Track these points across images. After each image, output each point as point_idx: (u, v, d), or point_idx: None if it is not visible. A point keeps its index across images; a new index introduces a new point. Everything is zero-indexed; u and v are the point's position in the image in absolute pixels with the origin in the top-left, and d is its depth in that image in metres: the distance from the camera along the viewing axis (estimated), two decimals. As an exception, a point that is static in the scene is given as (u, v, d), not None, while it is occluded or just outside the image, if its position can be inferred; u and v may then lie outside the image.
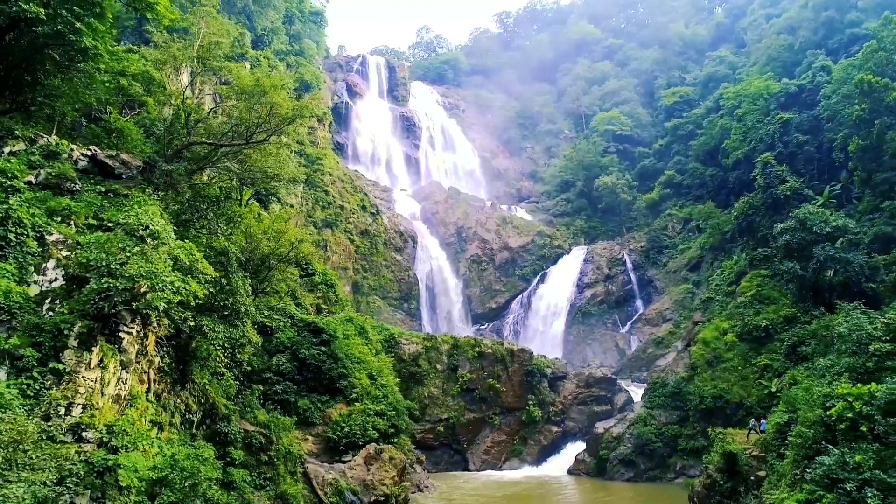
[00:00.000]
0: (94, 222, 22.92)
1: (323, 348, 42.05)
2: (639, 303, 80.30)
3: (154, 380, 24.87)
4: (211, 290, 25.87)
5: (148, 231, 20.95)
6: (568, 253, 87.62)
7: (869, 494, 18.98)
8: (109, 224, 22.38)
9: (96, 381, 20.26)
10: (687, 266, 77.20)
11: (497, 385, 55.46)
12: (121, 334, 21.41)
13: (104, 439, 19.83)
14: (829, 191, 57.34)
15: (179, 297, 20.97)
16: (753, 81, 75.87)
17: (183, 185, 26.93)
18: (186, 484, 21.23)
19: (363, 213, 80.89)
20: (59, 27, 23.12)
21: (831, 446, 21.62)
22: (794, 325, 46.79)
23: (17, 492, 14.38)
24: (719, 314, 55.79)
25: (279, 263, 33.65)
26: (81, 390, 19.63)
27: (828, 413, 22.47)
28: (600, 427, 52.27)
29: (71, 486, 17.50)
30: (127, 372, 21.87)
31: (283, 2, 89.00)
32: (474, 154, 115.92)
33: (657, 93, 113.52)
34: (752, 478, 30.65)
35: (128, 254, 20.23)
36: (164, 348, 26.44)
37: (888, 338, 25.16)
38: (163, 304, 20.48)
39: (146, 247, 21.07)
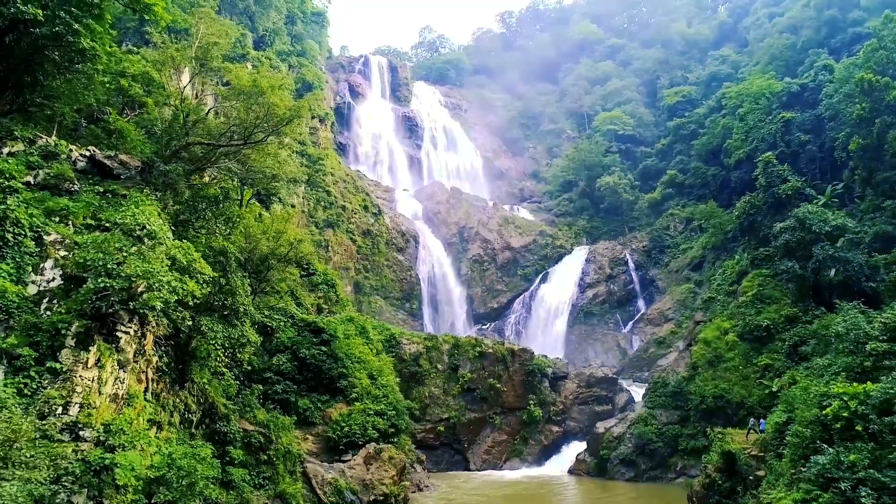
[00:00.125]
0: (93, 222, 23.04)
1: (323, 348, 42.15)
2: (641, 302, 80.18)
3: (152, 379, 25.00)
4: (209, 289, 26.00)
5: (145, 231, 21.06)
6: (570, 253, 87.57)
7: (863, 493, 18.96)
8: (107, 224, 22.50)
9: (93, 380, 20.37)
10: (689, 266, 77.08)
11: (498, 385, 55.47)
12: (118, 334, 21.52)
13: (101, 438, 19.94)
14: (830, 190, 57.24)
15: (176, 297, 21.07)
16: (755, 81, 75.76)
17: (181, 186, 27.04)
18: (183, 483, 21.35)
19: (365, 214, 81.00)
20: (57, 28, 23.27)
21: (826, 445, 21.61)
22: (796, 325, 46.63)
23: (11, 490, 14.46)
24: (721, 314, 55.67)
25: (278, 263, 33.75)
26: (79, 389, 19.75)
27: (824, 412, 22.47)
28: (601, 427, 52.23)
29: (67, 484, 17.59)
30: (124, 371, 21.98)
31: (285, 2, 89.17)
32: (476, 154, 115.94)
33: (660, 92, 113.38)
34: (750, 477, 30.59)
35: (124, 254, 20.34)
36: (163, 348, 26.57)
37: (885, 337, 25.15)
38: (159, 303, 20.59)
39: (143, 247, 21.19)
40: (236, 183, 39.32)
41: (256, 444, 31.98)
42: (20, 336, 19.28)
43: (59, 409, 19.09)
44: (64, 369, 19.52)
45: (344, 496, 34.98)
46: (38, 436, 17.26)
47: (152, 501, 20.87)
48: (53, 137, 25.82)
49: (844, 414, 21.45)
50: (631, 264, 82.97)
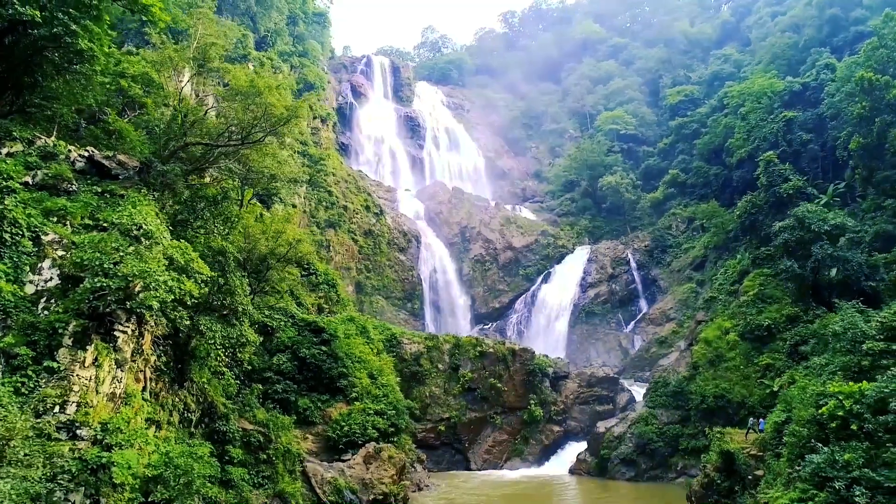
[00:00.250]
0: (91, 222, 23.16)
1: (323, 347, 42.23)
2: (642, 302, 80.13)
3: (150, 378, 25.09)
4: (208, 289, 26.11)
5: (141, 231, 21.14)
6: (572, 252, 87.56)
7: (857, 493, 18.95)
8: (105, 224, 22.61)
9: (91, 379, 20.46)
10: (691, 265, 76.99)
11: (499, 384, 55.48)
12: (116, 333, 21.60)
13: (98, 437, 20.01)
14: (832, 189, 57.14)
15: (173, 297, 21.15)
16: (757, 80, 75.65)
17: (179, 186, 27.15)
18: (181, 481, 21.44)
19: (367, 214, 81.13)
20: (55, 30, 23.40)
21: (822, 445, 21.60)
22: (797, 325, 46.52)
23: (5, 488, 14.57)
24: (722, 313, 55.57)
25: (278, 263, 33.84)
26: (76, 388, 19.83)
27: (820, 412, 22.46)
28: (602, 426, 52.19)
29: (63, 482, 17.68)
30: (122, 370, 22.06)
31: (287, 3, 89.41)
32: (479, 154, 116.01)
33: (662, 92, 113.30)
34: (749, 477, 30.56)
35: (121, 253, 20.43)
36: (161, 347, 26.66)
37: (882, 336, 25.11)
38: (156, 303, 20.68)
39: (140, 247, 21.28)
40: (237, 183, 39.44)
41: (256, 443, 32.02)
42: (17, 335, 19.39)
43: (57, 408, 19.17)
44: (61, 368, 19.60)
45: (343, 495, 35.02)
46: (34, 434, 17.39)
47: (149, 500, 20.96)
48: (52, 138, 25.96)
49: (840, 413, 21.44)
50: (633, 264, 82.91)
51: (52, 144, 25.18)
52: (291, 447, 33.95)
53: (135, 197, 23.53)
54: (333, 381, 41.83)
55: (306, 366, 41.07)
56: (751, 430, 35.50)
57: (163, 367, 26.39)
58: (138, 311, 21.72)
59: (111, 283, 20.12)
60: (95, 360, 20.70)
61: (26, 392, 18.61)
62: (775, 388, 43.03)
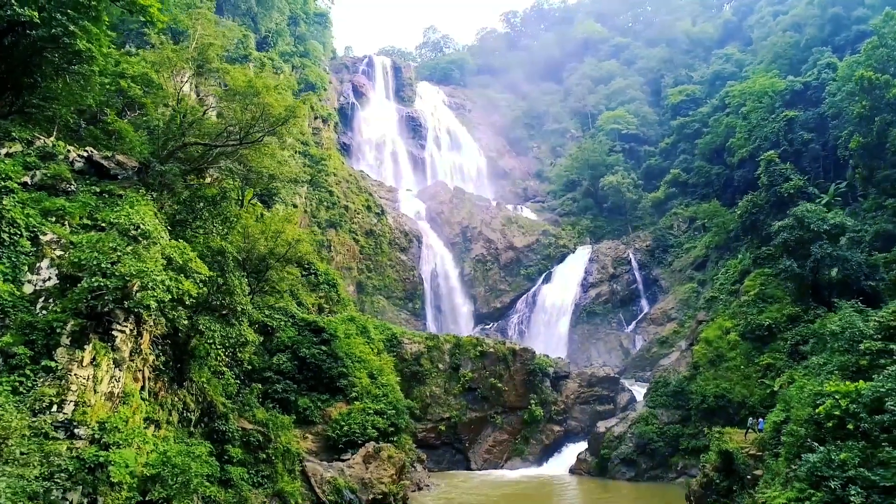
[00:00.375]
0: (89, 222, 23.24)
1: (323, 347, 42.26)
2: (644, 302, 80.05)
3: (149, 378, 25.16)
4: (207, 289, 26.19)
5: (139, 231, 21.21)
6: (573, 252, 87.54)
7: (853, 492, 18.93)
8: (103, 224, 22.69)
9: (89, 378, 20.52)
10: (692, 265, 76.91)
11: (499, 384, 55.50)
12: (114, 333, 21.66)
13: (96, 436, 20.09)
14: (834, 189, 57.09)
15: (170, 296, 21.22)
16: (758, 79, 75.55)
17: (178, 186, 27.22)
18: (178, 480, 21.50)
19: (368, 214, 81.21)
20: (53, 31, 23.48)
21: (818, 444, 21.59)
22: (798, 324, 46.49)
23: (0, 486, 14.63)
24: (723, 313, 55.52)
25: (277, 263, 33.89)
26: (74, 388, 19.90)
27: (817, 411, 22.45)
28: (602, 426, 52.18)
29: (60, 481, 17.74)
30: (120, 370, 22.13)
31: (288, 3, 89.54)
32: (480, 154, 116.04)
33: (664, 91, 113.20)
34: (748, 476, 30.54)
35: (119, 253, 20.50)
36: (160, 347, 26.73)
37: (879, 336, 25.08)
38: (154, 302, 20.74)
39: (138, 246, 21.35)
40: (237, 183, 39.52)
41: (255, 442, 32.07)
42: (15, 335, 19.46)
43: (54, 407, 19.25)
44: (59, 368, 19.66)
45: (343, 495, 35.06)
46: (31, 433, 17.46)
47: (147, 499, 21.03)
48: (52, 139, 26.06)
49: (836, 413, 21.43)
50: (634, 264, 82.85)
51: (51, 145, 25.28)
52: (291, 447, 34.01)
53: (133, 197, 23.61)
54: (333, 381, 41.84)
55: (306, 365, 41.10)
56: (750, 430, 35.49)
57: (162, 366, 26.46)
58: (136, 310, 21.80)
59: (109, 283, 20.19)
60: (93, 359, 20.77)
61: (24, 391, 18.68)
62: (776, 388, 42.96)
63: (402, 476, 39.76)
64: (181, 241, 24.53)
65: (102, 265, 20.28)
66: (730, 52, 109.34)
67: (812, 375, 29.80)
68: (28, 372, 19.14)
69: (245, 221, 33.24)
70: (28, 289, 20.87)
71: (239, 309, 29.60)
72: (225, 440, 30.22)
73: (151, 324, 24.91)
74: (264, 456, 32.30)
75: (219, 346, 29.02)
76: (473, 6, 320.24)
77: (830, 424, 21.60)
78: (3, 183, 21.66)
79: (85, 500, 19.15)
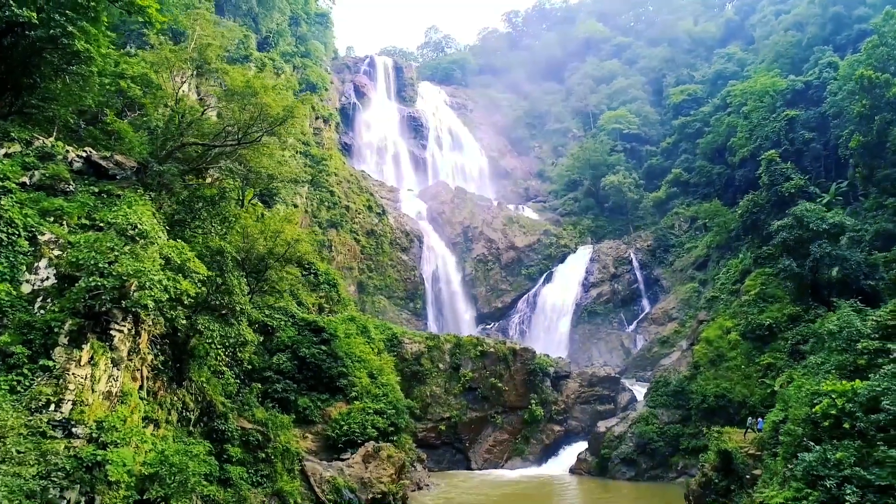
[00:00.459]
0: (87, 222, 23.32)
1: (323, 347, 42.29)
2: (645, 302, 80.00)
3: (148, 377, 25.23)
4: (205, 288, 26.25)
5: (137, 231, 21.28)
6: (574, 252, 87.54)
7: (848, 491, 18.92)
8: (101, 224, 22.76)
9: (86, 377, 20.59)
10: (693, 265, 76.83)
11: (499, 384, 55.51)
12: (112, 332, 21.73)
13: (94, 435, 20.15)
14: (835, 188, 56.98)
15: (167, 296, 21.28)
16: (760, 78, 75.44)
17: (177, 186, 27.30)
18: (176, 479, 21.56)
19: (369, 214, 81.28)
20: (52, 31, 23.58)
21: (814, 444, 21.57)
22: (798, 324, 46.45)
23: (-4, 484, 14.71)
24: (723, 313, 55.51)
25: (276, 263, 33.96)
26: (71, 387, 19.97)
27: (813, 410, 22.43)
28: (602, 426, 52.17)
29: (57, 480, 17.81)
30: (118, 369, 22.20)
31: (289, 4, 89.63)
32: (482, 154, 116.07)
33: (665, 91, 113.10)
34: (747, 476, 30.52)
35: (116, 253, 20.57)
36: (159, 346, 26.81)
37: (877, 335, 25.05)
38: (151, 302, 20.80)
39: (136, 246, 21.42)
40: (238, 183, 39.60)
41: (254, 442, 32.08)
42: (14, 334, 19.54)
43: (52, 406, 19.32)
44: (57, 367, 19.73)
45: (342, 494, 35.09)
46: (28, 432, 17.54)
47: (145, 498, 21.09)
48: (51, 139, 26.15)
49: (832, 412, 21.42)
50: (635, 263, 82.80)
51: (49, 145, 25.37)
52: (290, 446, 34.03)
53: (131, 197, 23.68)
54: (333, 381, 41.87)
55: (306, 365, 41.13)
56: (749, 430, 35.45)
57: (160, 365, 26.52)
58: (134, 310, 21.86)
59: (106, 283, 20.26)
60: (91, 358, 20.84)
61: (22, 390, 18.77)
62: (776, 388, 42.94)
63: (402, 475, 39.78)
64: (179, 240, 24.60)
65: (100, 265, 20.35)
66: (732, 51, 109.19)
67: (810, 375, 29.79)
68: (26, 371, 19.22)
69: (244, 221, 33.31)
70: (26, 288, 20.95)
71: (238, 308, 29.67)
72: (224, 439, 30.24)
73: (150, 323, 24.97)
74: (263, 455, 32.32)
75: (218, 346, 29.09)
76: (475, 6, 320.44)
77: (827, 424, 21.60)
78: (1, 183, 21.75)
79: (83, 499, 19.22)
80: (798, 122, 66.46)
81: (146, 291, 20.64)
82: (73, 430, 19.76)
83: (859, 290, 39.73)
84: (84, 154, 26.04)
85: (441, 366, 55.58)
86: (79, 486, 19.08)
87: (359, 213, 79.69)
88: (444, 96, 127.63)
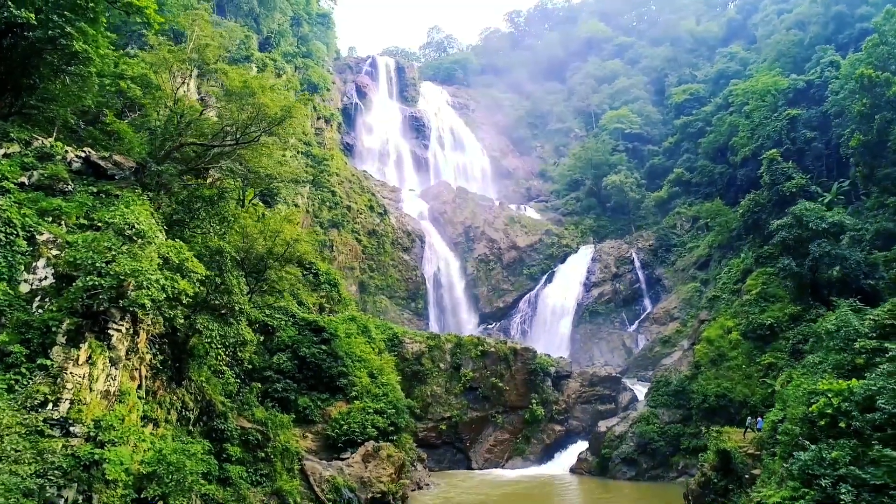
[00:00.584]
0: (85, 222, 23.41)
1: (323, 347, 42.37)
2: (647, 301, 79.89)
3: (146, 376, 25.31)
4: (204, 288, 26.32)
5: (134, 230, 21.35)
6: (576, 252, 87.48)
7: (843, 490, 18.89)
8: (99, 224, 22.84)
9: (84, 377, 20.68)
10: (695, 264, 76.71)
11: (500, 384, 55.54)
12: (110, 331, 21.80)
13: (91, 434, 20.24)
14: (837, 187, 56.78)
15: (164, 295, 21.35)
16: (761, 78, 75.31)
17: (175, 186, 27.39)
18: (173, 478, 21.63)
19: (370, 214, 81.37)
20: (50, 32, 23.69)
21: (809, 443, 21.53)
22: (800, 324, 46.31)
23: (-9, 482, 14.78)
24: (725, 312, 55.45)
25: (275, 262, 34.02)
26: (69, 386, 20.05)
27: (810, 409, 22.40)
28: (603, 426, 52.14)
29: (53, 478, 17.88)
30: (116, 368, 22.28)
31: (290, 4, 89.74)
32: (484, 154, 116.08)
33: (667, 90, 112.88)
34: (746, 476, 30.47)
35: (114, 252, 20.65)
36: (158, 346, 26.90)
37: (875, 334, 24.99)
38: (148, 301, 20.87)
39: (133, 246, 21.50)
40: (238, 183, 39.70)
41: (254, 441, 32.15)
42: (11, 333, 19.63)
43: (50, 405, 19.40)
44: (54, 366, 19.81)
45: (341, 493, 35.14)
46: (26, 431, 17.62)
47: (142, 496, 21.17)
48: (49, 139, 26.26)
49: (829, 411, 21.39)
50: (637, 263, 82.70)
51: (49, 145, 25.48)
52: (290, 445, 34.09)
53: (129, 197, 23.77)
54: (333, 380, 41.93)
55: (306, 365, 41.21)
56: (749, 429, 35.39)
57: (160, 365, 26.60)
58: (132, 309, 21.94)
59: (104, 282, 20.34)
60: (89, 357, 20.93)
61: (20, 389, 18.86)
62: (777, 388, 42.85)
63: (402, 475, 39.82)
64: (178, 240, 24.68)
65: (97, 264, 20.44)
66: (734, 50, 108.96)
67: (809, 374, 29.73)
68: (23, 370, 19.30)
69: (243, 221, 33.37)
70: (24, 288, 21.05)
71: (237, 308, 29.72)
72: (224, 439, 30.32)
73: (149, 323, 25.06)
74: (263, 454, 32.39)
75: (218, 346, 29.16)
76: (477, 6, 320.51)
77: (823, 423, 21.57)
78: (-1, 183, 21.87)
79: (80, 498, 19.30)
80: (800, 121, 66.32)
81: (143, 291, 20.72)
82: (71, 428, 19.84)
83: (859, 289, 39.61)
84: (83, 154, 26.14)
85: (442, 365, 55.63)
86: (76, 484, 19.17)
87: (360, 213, 79.78)
88: (446, 96, 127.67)
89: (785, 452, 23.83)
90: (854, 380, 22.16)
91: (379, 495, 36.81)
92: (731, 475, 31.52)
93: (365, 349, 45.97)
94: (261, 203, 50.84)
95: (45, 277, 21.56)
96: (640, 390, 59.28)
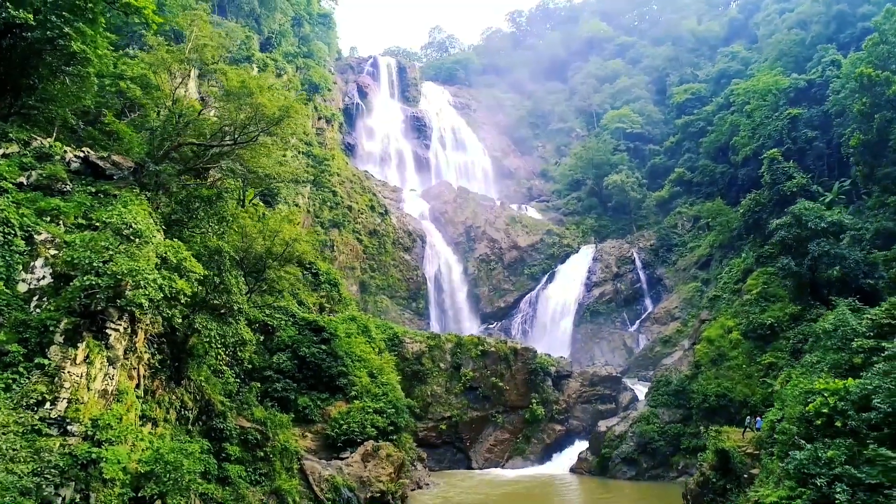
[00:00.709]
0: (84, 222, 23.46)
1: (323, 346, 42.45)
2: (648, 301, 79.87)
3: (144, 376, 25.37)
4: (205, 288, 26.39)
5: (131, 230, 21.41)
6: (577, 252, 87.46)
7: (838, 490, 18.86)
8: (97, 224, 22.90)
9: (82, 376, 20.72)
10: (696, 264, 76.67)
11: (500, 383, 55.57)
12: (108, 331, 21.84)
13: (89, 433, 20.28)
14: (838, 187, 56.69)
15: (161, 294, 21.41)
16: (762, 77, 75.22)
17: (173, 186, 27.46)
18: (171, 477, 21.69)
19: (371, 214, 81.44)
20: (49, 33, 23.77)
21: (805, 442, 21.50)
22: (800, 323, 46.20)
23: (-13, 480, 14.84)
24: (725, 312, 55.40)
25: (274, 262, 34.09)
26: (67, 385, 20.10)
27: (806, 409, 22.37)
28: (603, 426, 52.13)
29: (49, 477, 17.94)
30: (114, 368, 22.32)
31: (291, 5, 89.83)
32: (485, 154, 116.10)
33: (669, 90, 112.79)
34: (745, 476, 30.43)
35: (111, 252, 20.71)
36: (157, 345, 26.97)
37: (872, 333, 24.94)
38: (145, 300, 20.93)
39: (131, 245, 21.56)
40: (238, 183, 39.77)
41: (253, 440, 32.20)
42: (9, 333, 19.68)
43: (47, 404, 19.45)
44: (52, 365, 19.86)
45: (341, 493, 35.19)
46: (23, 430, 17.68)
47: (139, 495, 21.23)
48: (49, 139, 26.34)
49: (825, 410, 21.37)
50: (638, 263, 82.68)
51: (47, 145, 25.56)
52: (289, 445, 34.14)
53: (127, 196, 23.84)
54: (333, 380, 42.01)
55: (306, 364, 41.28)
56: (748, 429, 35.34)
57: (158, 364, 26.66)
58: (129, 309, 21.99)
59: (101, 282, 20.39)
60: (87, 357, 20.97)
61: (17, 388, 18.91)
62: (777, 387, 42.78)
63: (401, 475, 39.88)
64: (176, 240, 24.74)
65: (94, 264, 20.49)
66: (736, 50, 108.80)
67: (807, 374, 29.70)
68: (21, 369, 19.34)
69: (242, 221, 33.44)
70: (22, 287, 21.11)
71: (236, 308, 29.79)
72: (223, 438, 30.37)
73: (147, 322, 25.12)
74: (262, 454, 32.43)
75: (218, 345, 29.22)
76: (479, 6, 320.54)
77: (819, 422, 21.54)
78: (-2, 183, 21.94)
79: (77, 497, 19.35)
80: (801, 120, 66.23)
81: (140, 290, 20.77)
82: (69, 427, 19.89)
83: (859, 288, 39.54)
84: (82, 154, 26.22)
85: (442, 365, 55.67)
86: (73, 483, 19.21)
87: (361, 213, 79.86)
88: (447, 96, 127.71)
89: (782, 452, 23.80)
90: (850, 379, 22.13)
91: (378, 495, 36.86)
92: (729, 475, 31.48)
93: (365, 349, 46.04)
94: (261, 203, 50.97)
95: (43, 277, 21.63)
96: (641, 390, 59.26)
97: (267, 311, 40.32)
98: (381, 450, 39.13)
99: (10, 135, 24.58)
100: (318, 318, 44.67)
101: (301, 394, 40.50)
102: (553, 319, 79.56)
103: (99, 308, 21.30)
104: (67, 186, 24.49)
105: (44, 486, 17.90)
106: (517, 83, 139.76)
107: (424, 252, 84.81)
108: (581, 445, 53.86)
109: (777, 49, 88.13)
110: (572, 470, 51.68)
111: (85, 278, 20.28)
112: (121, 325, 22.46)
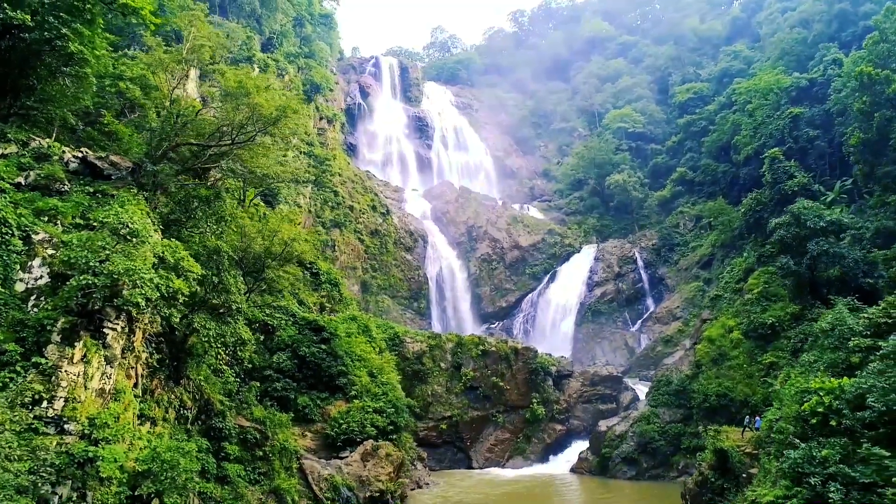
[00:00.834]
0: (81, 222, 23.60)
1: (323, 346, 42.52)
2: (649, 301, 79.77)
3: (143, 375, 25.47)
4: (201, 287, 26.46)
5: (128, 230, 21.51)
6: (578, 251, 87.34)
7: (832, 489, 18.84)
8: (95, 224, 23.02)
9: (79, 375, 20.82)
10: (698, 264, 76.56)
11: (501, 383, 55.57)
12: (105, 330, 21.95)
13: (86, 432, 20.37)
14: (839, 186, 56.54)
15: (158, 294, 21.50)
16: (764, 76, 75.05)
17: (171, 186, 27.57)
18: (168, 476, 21.78)
19: (373, 213, 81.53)
20: (46, 34, 23.89)
21: (800, 441, 21.48)
22: (801, 323, 46.05)
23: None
24: (726, 311, 55.32)
25: (273, 262, 34.17)
26: (63, 384, 20.20)
27: (802, 408, 22.35)
28: (603, 425, 52.08)
29: (46, 475, 18.03)
30: (112, 367, 22.42)
31: (292, 5, 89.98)
32: (487, 153, 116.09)
33: (671, 89, 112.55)
34: (743, 475, 30.42)
35: (108, 252, 20.81)
36: (155, 344, 27.05)
37: (869, 333, 24.89)
38: (142, 300, 21.03)
39: (128, 245, 21.66)
40: (238, 183, 39.88)
41: (253, 440, 32.28)
42: (6, 332, 19.80)
43: (44, 403, 19.55)
44: (49, 364, 19.97)
45: (340, 492, 35.25)
46: (20, 428, 17.78)
47: (136, 494, 21.32)
48: (47, 140, 26.47)
49: (820, 409, 21.34)
50: (640, 262, 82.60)
51: (46, 146, 25.68)
52: (288, 444, 34.22)
53: (124, 196, 23.96)
54: (333, 380, 42.08)
55: (306, 364, 41.35)
56: (747, 428, 35.30)
57: (157, 364, 26.75)
58: (127, 308, 22.08)
59: (98, 281, 20.50)
60: (84, 356, 21.06)
61: (14, 387, 19.02)
62: (777, 387, 42.69)
63: (401, 474, 39.93)
64: (174, 240, 24.85)
65: (91, 263, 20.60)
66: (738, 49, 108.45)
67: (805, 373, 29.65)
68: (18, 368, 19.45)
69: (241, 221, 33.53)
70: (20, 287, 21.24)
71: (234, 307, 29.87)
72: (222, 437, 30.46)
73: (146, 322, 25.21)
74: (261, 453, 32.50)
75: (217, 345, 29.31)
76: (481, 6, 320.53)
77: (815, 421, 21.52)
78: (-4, 183, 22.06)
79: (74, 495, 19.45)
80: (802, 119, 66.08)
81: (138, 290, 20.87)
82: (66, 426, 19.98)
83: (858, 287, 39.42)
84: (80, 154, 26.35)
85: (443, 365, 55.72)
86: (70, 481, 19.31)
87: (363, 213, 79.96)
88: (449, 96, 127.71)
89: (778, 451, 23.79)
90: (845, 378, 22.10)
91: (377, 494, 36.92)
92: (728, 474, 31.47)
93: (365, 348, 46.10)
94: (262, 203, 51.09)
95: (41, 276, 21.75)
96: (642, 390, 59.18)
97: (267, 311, 40.43)
98: (380, 449, 39.18)
99: (9, 135, 24.73)
100: (319, 318, 44.74)
101: (301, 393, 40.58)
102: (554, 319, 79.51)
103: (96, 307, 21.41)
104: (65, 186, 24.62)
105: (40, 485, 18.01)
106: (519, 83, 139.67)
107: (426, 252, 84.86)
108: (581, 445, 53.82)
109: (779, 48, 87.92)
110: (572, 470, 51.64)
111: (82, 278, 20.39)
112: (118, 324, 22.56)
